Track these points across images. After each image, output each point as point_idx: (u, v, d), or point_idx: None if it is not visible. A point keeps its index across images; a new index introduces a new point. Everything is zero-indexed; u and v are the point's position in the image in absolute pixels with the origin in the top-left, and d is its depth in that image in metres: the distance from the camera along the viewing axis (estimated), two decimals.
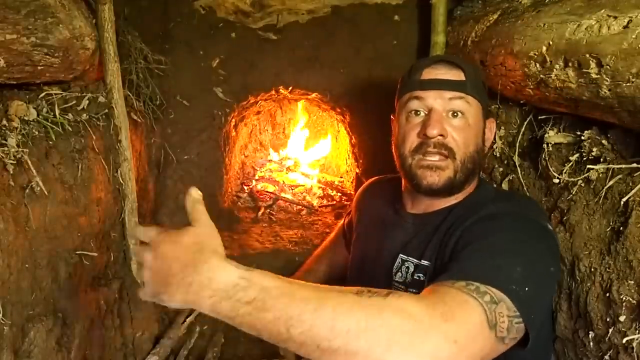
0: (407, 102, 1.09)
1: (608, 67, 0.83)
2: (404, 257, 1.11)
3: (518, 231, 0.93)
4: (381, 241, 1.20)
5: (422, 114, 1.07)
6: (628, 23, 0.81)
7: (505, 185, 1.37)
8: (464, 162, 1.05)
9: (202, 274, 0.71)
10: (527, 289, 0.80)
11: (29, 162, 1.06)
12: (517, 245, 0.90)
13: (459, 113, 1.05)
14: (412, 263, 1.08)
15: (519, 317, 0.78)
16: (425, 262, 1.05)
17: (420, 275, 1.05)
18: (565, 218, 1.07)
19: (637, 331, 0.83)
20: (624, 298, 0.86)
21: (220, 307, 0.69)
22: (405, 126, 1.10)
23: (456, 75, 1.06)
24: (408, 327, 0.67)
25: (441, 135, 1.04)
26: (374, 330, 0.66)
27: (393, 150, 1.17)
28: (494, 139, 1.40)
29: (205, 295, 0.69)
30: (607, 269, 0.91)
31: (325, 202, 2.50)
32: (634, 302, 0.84)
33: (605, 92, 0.86)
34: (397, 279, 1.10)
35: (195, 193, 0.81)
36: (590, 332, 0.95)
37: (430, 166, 1.05)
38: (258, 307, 0.67)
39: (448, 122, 1.05)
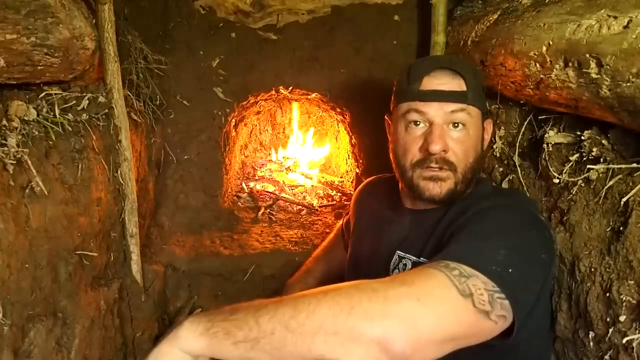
0: (407, 112, 1.07)
1: (608, 67, 0.83)
2: (401, 253, 1.11)
3: (508, 219, 0.94)
4: (378, 238, 1.20)
5: (422, 125, 1.05)
6: (628, 23, 0.81)
7: (505, 185, 1.37)
8: (465, 174, 1.05)
9: None
10: (510, 270, 0.79)
11: (29, 162, 1.06)
12: (504, 230, 0.90)
13: (459, 125, 1.04)
14: (410, 260, 1.09)
15: (501, 292, 0.77)
16: (424, 260, 1.05)
17: None
18: (565, 218, 1.07)
19: (637, 331, 0.83)
20: (624, 298, 0.86)
21: (199, 323, 0.73)
22: (405, 137, 1.08)
23: (457, 85, 1.03)
24: (367, 293, 0.69)
25: (443, 150, 1.03)
26: (334, 298, 0.68)
27: (391, 157, 1.16)
28: (494, 139, 1.40)
29: (185, 322, 0.75)
30: (607, 269, 0.91)
31: (325, 202, 2.50)
32: (634, 302, 0.84)
33: (605, 92, 0.86)
34: None
35: None
36: (590, 332, 0.95)
37: (433, 177, 1.04)
38: (232, 311, 0.73)
39: (448, 134, 1.04)
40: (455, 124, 1.04)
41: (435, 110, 1.03)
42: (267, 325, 0.68)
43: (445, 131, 1.04)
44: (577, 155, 1.05)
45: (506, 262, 0.80)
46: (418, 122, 1.06)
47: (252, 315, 0.70)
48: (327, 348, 0.66)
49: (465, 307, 0.72)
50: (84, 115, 1.36)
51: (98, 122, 1.42)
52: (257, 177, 2.67)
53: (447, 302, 0.71)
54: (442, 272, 0.74)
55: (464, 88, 1.03)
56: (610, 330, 0.89)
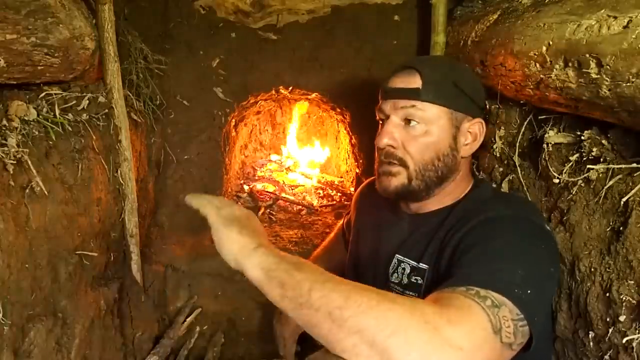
0: (377, 111, 1.13)
1: (608, 67, 0.83)
2: (400, 257, 1.11)
3: (517, 234, 0.93)
4: (378, 241, 1.20)
5: (384, 122, 1.10)
6: (628, 23, 0.81)
7: (505, 185, 1.37)
8: (419, 171, 1.05)
9: (263, 239, 0.83)
10: (529, 291, 0.80)
11: (29, 162, 1.06)
12: (517, 248, 0.89)
13: (412, 121, 1.05)
14: (409, 265, 1.08)
15: (523, 319, 0.78)
16: (423, 265, 1.04)
17: (418, 278, 1.05)
18: (565, 218, 1.07)
19: (637, 331, 0.83)
20: (624, 298, 0.86)
21: (271, 252, 0.78)
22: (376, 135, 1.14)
23: (412, 82, 1.05)
24: (416, 322, 0.68)
25: (391, 145, 1.06)
26: (384, 312, 0.68)
27: None
28: (494, 139, 1.40)
29: (264, 247, 0.79)
30: (607, 269, 0.92)
31: (325, 202, 2.50)
32: (634, 302, 0.84)
33: (605, 92, 0.86)
34: (393, 280, 1.10)
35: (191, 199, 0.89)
36: (590, 332, 0.95)
37: (384, 172, 1.09)
38: (296, 267, 0.75)
39: (404, 131, 1.06)
40: (409, 121, 1.05)
41: (389, 107, 1.07)
42: (315, 301, 0.70)
43: (399, 127, 1.06)
44: (577, 155, 1.05)
45: (525, 282, 0.81)
46: (382, 120, 1.11)
47: (308, 284, 0.72)
48: (354, 352, 0.68)
49: (495, 344, 0.73)
50: (84, 115, 1.36)
51: (98, 122, 1.42)
52: (257, 177, 2.67)
53: (484, 346, 0.71)
54: (479, 305, 0.74)
55: (418, 85, 1.04)
56: (610, 330, 0.89)
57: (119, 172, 1.52)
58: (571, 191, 1.06)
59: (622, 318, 0.86)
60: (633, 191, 0.88)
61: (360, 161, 2.22)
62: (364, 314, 0.68)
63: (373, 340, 0.66)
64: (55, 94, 1.28)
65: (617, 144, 0.96)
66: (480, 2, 1.67)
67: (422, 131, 1.05)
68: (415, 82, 1.04)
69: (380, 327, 0.67)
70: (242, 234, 0.81)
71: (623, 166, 0.93)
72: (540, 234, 0.95)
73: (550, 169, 1.13)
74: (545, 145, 1.15)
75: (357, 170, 2.29)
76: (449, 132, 1.07)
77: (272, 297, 0.75)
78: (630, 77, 0.79)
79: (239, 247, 0.80)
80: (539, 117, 1.22)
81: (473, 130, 1.09)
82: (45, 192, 1.10)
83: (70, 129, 1.26)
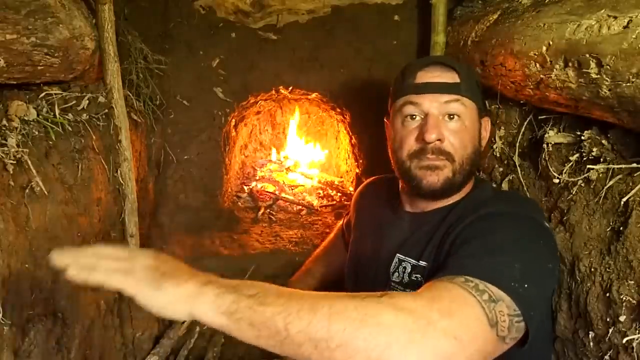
0: (403, 106, 1.09)
1: (608, 67, 0.83)
2: (401, 257, 1.11)
3: (517, 229, 0.94)
4: (378, 241, 1.20)
5: (418, 118, 1.07)
6: (628, 23, 0.81)
7: (505, 185, 1.37)
8: (462, 164, 1.06)
9: (201, 275, 0.74)
10: (526, 286, 0.80)
11: (29, 162, 1.06)
12: (515, 243, 0.90)
13: (455, 116, 1.05)
14: (410, 263, 1.08)
15: (520, 315, 0.78)
16: (423, 263, 1.05)
17: (418, 276, 1.05)
18: (565, 218, 1.07)
19: (637, 331, 0.83)
20: (624, 298, 0.86)
21: (224, 298, 0.69)
22: (402, 131, 1.10)
23: (450, 77, 1.06)
24: (405, 323, 0.67)
25: (439, 140, 1.04)
26: (371, 328, 0.66)
27: (390, 155, 1.17)
28: (494, 139, 1.41)
29: (211, 285, 0.71)
30: (607, 269, 0.92)
31: (325, 202, 2.50)
32: (634, 302, 0.84)
33: (605, 92, 0.86)
34: (394, 279, 1.10)
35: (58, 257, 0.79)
36: (590, 332, 0.95)
37: (430, 166, 1.05)
38: (259, 301, 0.68)
39: (445, 125, 1.05)
40: (450, 115, 1.05)
41: (430, 102, 1.05)
42: (296, 336, 0.66)
43: (441, 122, 1.05)
44: (577, 155, 1.05)
45: (522, 277, 0.81)
46: (414, 116, 1.08)
47: (282, 319, 0.66)
48: None
49: (490, 338, 0.73)
50: (84, 115, 1.36)
51: (98, 122, 1.42)
52: (257, 177, 2.67)
53: (479, 337, 0.72)
54: (475, 298, 0.74)
55: (457, 80, 1.05)
56: (610, 330, 0.89)
57: (119, 172, 1.52)
58: (571, 191, 1.06)
59: (622, 318, 0.86)
60: (633, 191, 0.88)
61: (360, 161, 2.22)
62: (351, 339, 0.65)
63: (368, 359, 0.65)
64: (55, 94, 1.27)
65: (617, 144, 0.96)
66: (480, 2, 1.67)
67: (462, 125, 1.06)
68: (453, 77, 1.06)
69: (371, 346, 0.65)
70: (180, 284, 0.71)
71: (623, 166, 0.93)
72: (539, 231, 0.96)
73: (550, 169, 1.13)
74: (545, 145, 1.15)
75: (357, 170, 2.29)
76: (478, 127, 1.10)
77: (246, 339, 0.69)
78: (630, 77, 0.79)
79: (185, 298, 0.71)
80: (539, 117, 1.22)
81: (484, 126, 1.14)
82: (45, 192, 1.10)
83: (70, 129, 1.26)
